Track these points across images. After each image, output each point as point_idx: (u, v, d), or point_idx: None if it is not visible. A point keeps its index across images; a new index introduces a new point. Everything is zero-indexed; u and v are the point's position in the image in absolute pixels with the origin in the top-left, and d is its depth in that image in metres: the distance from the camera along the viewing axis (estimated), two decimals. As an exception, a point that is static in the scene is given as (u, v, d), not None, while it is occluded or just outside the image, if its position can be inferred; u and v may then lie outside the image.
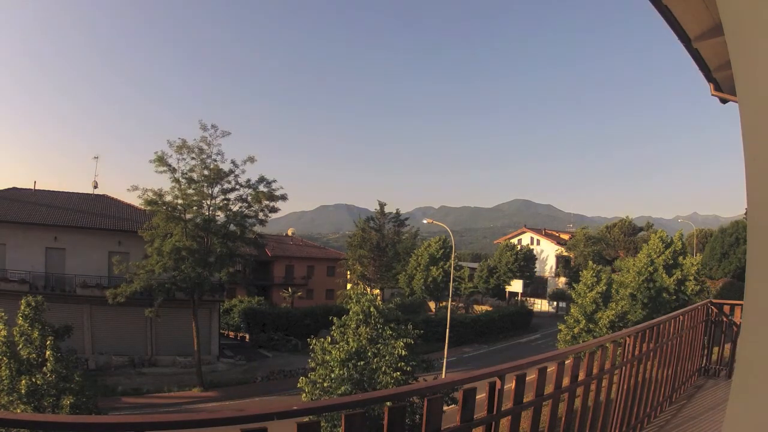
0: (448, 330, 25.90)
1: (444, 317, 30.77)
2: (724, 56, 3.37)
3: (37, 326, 15.15)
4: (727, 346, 6.24)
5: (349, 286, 47.13)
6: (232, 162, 25.14)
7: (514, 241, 58.92)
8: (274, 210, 26.78)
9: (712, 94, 4.25)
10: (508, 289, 49.62)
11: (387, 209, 45.11)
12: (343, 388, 13.59)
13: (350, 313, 15.40)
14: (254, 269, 41.88)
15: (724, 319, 6.19)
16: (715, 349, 6.33)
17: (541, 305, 52.72)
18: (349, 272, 47.11)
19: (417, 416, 12.91)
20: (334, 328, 15.50)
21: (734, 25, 1.35)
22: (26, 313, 15.25)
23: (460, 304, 47.74)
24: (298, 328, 34.21)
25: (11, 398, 13.96)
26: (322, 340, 15.58)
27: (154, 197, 24.00)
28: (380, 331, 14.87)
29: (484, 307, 47.47)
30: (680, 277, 29.13)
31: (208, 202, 25.06)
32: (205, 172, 24.52)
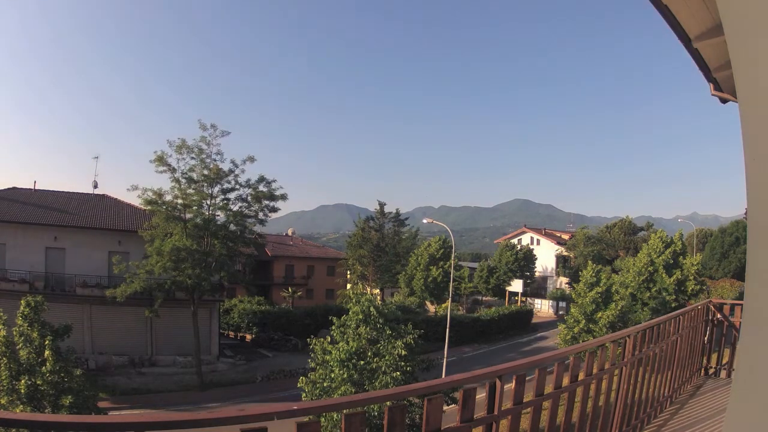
0: (448, 330, 25.88)
1: (444, 317, 30.74)
2: (724, 56, 3.37)
3: (36, 326, 15.12)
4: (727, 347, 6.24)
5: (349, 286, 47.09)
6: (232, 162, 25.18)
7: (514, 241, 58.84)
8: (274, 210, 26.78)
9: (712, 94, 4.25)
10: (508, 289, 49.54)
11: (387, 209, 45.15)
12: (343, 388, 13.58)
13: (350, 313, 15.38)
14: (254, 269, 41.90)
15: (723, 320, 6.19)
16: (716, 349, 6.33)
17: (541, 305, 52.67)
18: (349, 272, 47.06)
19: (417, 416, 12.92)
20: (334, 328, 15.48)
21: (734, 25, 1.34)
22: (25, 313, 15.22)
23: (460, 311, 45.83)
24: (298, 328, 34.19)
25: (11, 398, 13.95)
26: (322, 340, 15.57)
27: (154, 197, 23.98)
28: (380, 331, 14.86)
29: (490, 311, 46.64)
30: (680, 277, 29.12)
31: (208, 202, 25.05)
32: (205, 172, 24.51)
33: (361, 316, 14.97)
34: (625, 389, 4.11)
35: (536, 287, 55.23)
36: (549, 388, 3.22)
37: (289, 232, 63.49)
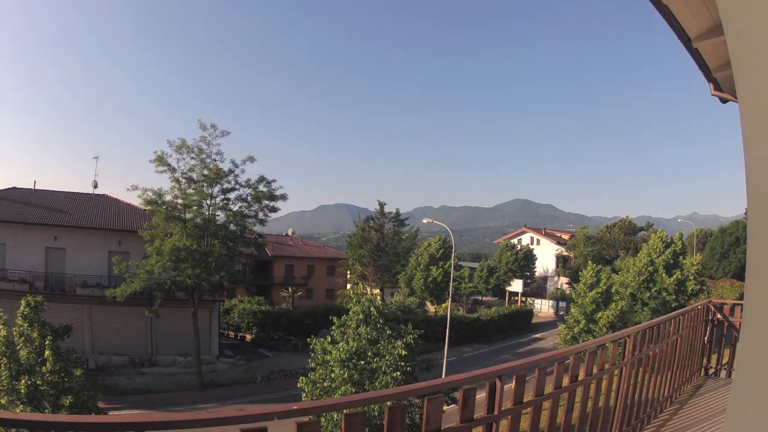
0: (448, 330, 25.87)
1: (444, 317, 30.74)
2: (724, 56, 3.36)
3: (36, 326, 15.12)
4: (727, 347, 6.23)
5: (349, 286, 47.08)
6: (232, 162, 25.19)
7: (514, 241, 58.87)
8: (274, 210, 26.78)
9: (712, 94, 4.24)
10: (508, 289, 49.56)
11: (387, 209, 45.12)
12: (343, 388, 13.59)
13: (350, 313, 15.39)
14: (254, 269, 41.88)
15: (723, 320, 6.19)
16: (716, 349, 6.33)
17: (541, 305, 52.67)
18: (349, 272, 47.06)
19: (417, 416, 12.92)
20: (334, 328, 15.49)
21: (734, 25, 1.34)
22: (25, 313, 15.21)
23: (460, 311, 45.14)
24: (298, 328, 34.21)
25: (11, 398, 13.94)
26: (323, 340, 15.57)
27: (154, 197, 23.99)
28: (380, 331, 14.86)
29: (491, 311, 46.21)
30: (680, 277, 29.12)
31: (208, 202, 25.05)
32: (205, 172, 24.52)
33: (361, 316, 14.98)
34: (625, 389, 4.11)
35: (536, 287, 55.26)
36: (549, 388, 3.22)
37: (289, 232, 63.49)
